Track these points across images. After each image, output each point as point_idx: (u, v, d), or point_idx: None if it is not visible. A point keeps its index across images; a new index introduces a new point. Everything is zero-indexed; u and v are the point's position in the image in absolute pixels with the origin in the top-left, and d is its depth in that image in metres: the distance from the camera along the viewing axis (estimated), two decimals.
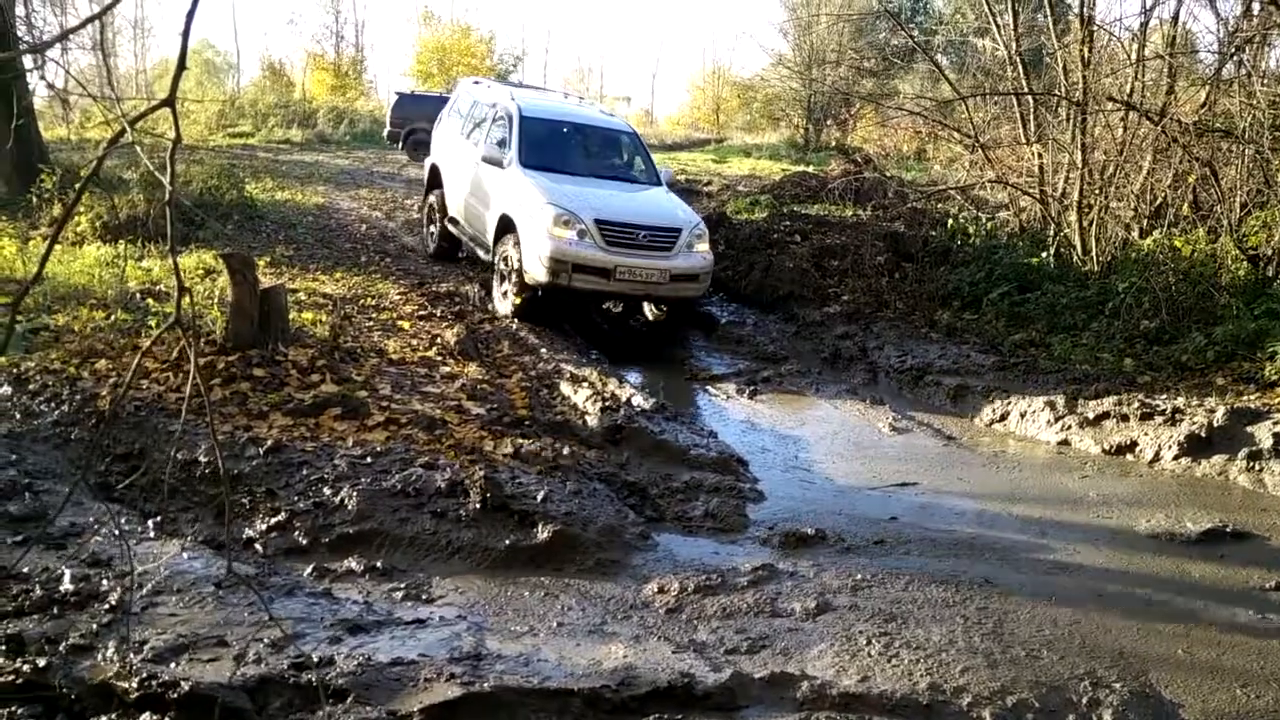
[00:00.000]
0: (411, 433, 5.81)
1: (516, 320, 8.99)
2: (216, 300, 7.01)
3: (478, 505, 4.82)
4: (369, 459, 5.28)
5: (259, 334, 6.59)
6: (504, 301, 9.20)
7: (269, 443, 5.28)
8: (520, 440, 5.89)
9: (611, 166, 10.62)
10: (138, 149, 3.68)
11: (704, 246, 9.31)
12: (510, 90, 11.06)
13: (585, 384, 7.26)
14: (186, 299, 2.33)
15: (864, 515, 5.61)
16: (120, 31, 31.13)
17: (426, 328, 8.39)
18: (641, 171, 10.57)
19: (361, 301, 9.04)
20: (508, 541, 4.65)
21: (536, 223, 8.73)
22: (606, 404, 6.79)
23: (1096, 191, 9.67)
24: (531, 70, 50.42)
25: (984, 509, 5.84)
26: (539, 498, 4.97)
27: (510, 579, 4.44)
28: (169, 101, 2.37)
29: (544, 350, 8.26)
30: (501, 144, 9.86)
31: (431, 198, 11.89)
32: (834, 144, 27.61)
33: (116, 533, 3.96)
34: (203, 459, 4.99)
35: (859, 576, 4.64)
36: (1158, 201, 9.75)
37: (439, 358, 7.54)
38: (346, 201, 15.97)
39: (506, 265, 9.13)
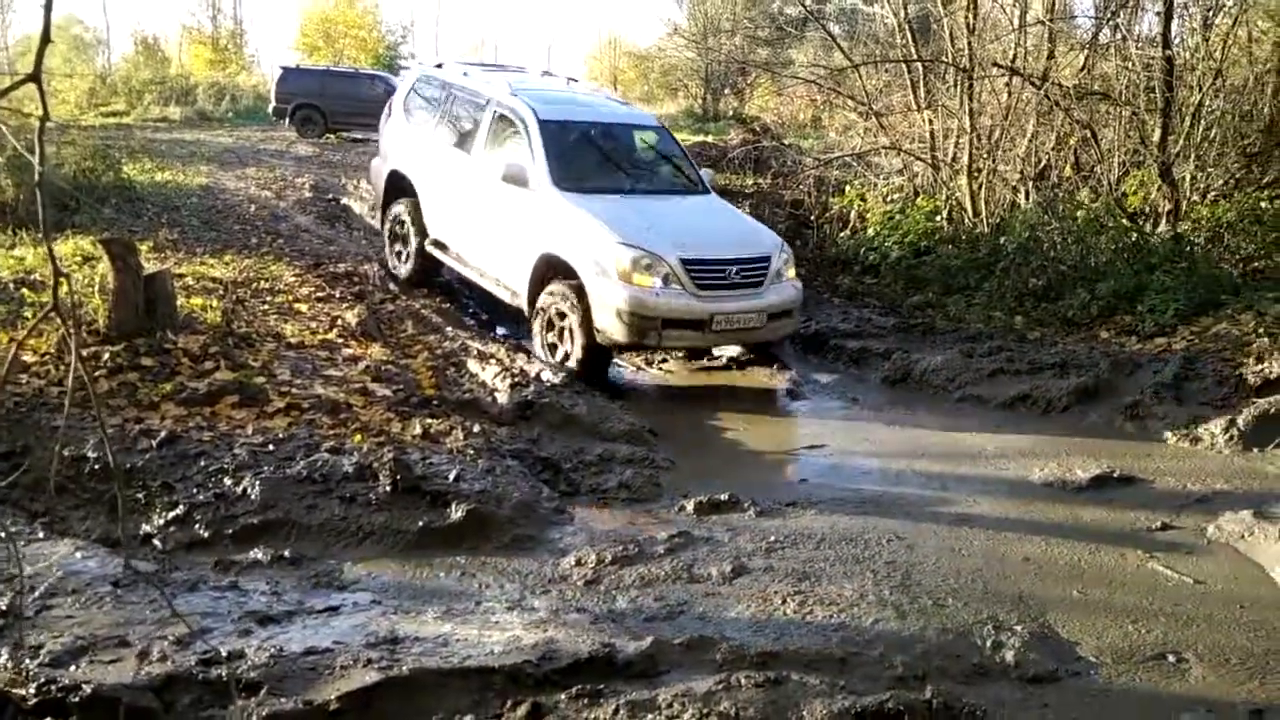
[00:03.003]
0: (315, 417, 5.66)
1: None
2: (98, 288, 6.66)
3: (388, 488, 4.73)
4: (271, 446, 5.12)
5: (145, 322, 6.29)
6: (552, 356, 7.33)
7: (163, 434, 5.07)
8: (429, 420, 5.80)
9: (656, 176, 8.71)
10: (2, 128, 3.45)
11: (792, 272, 7.71)
12: (504, 81, 8.64)
13: (493, 360, 7.17)
14: (65, 286, 2.20)
15: (775, 479, 5.72)
16: None
17: (326, 309, 8.15)
18: (686, 176, 8.68)
19: (254, 285, 8.72)
20: (421, 523, 4.58)
21: (606, 268, 6.90)
22: (516, 380, 6.73)
23: (985, 155, 9.98)
24: (422, 42, 49.24)
25: (889, 467, 6.01)
26: (451, 477, 4.90)
27: (425, 561, 4.37)
28: (34, 76, 2.21)
29: (449, 329, 8.12)
30: (521, 158, 7.72)
31: (399, 210, 9.36)
32: (732, 113, 27.80)
33: (1, 535, 3.75)
34: (91, 454, 4.76)
35: (772, 539, 4.72)
36: (1042, 164, 10.11)
37: (340, 340, 7.34)
38: (233, 181, 15.35)
39: (562, 320, 7.24)
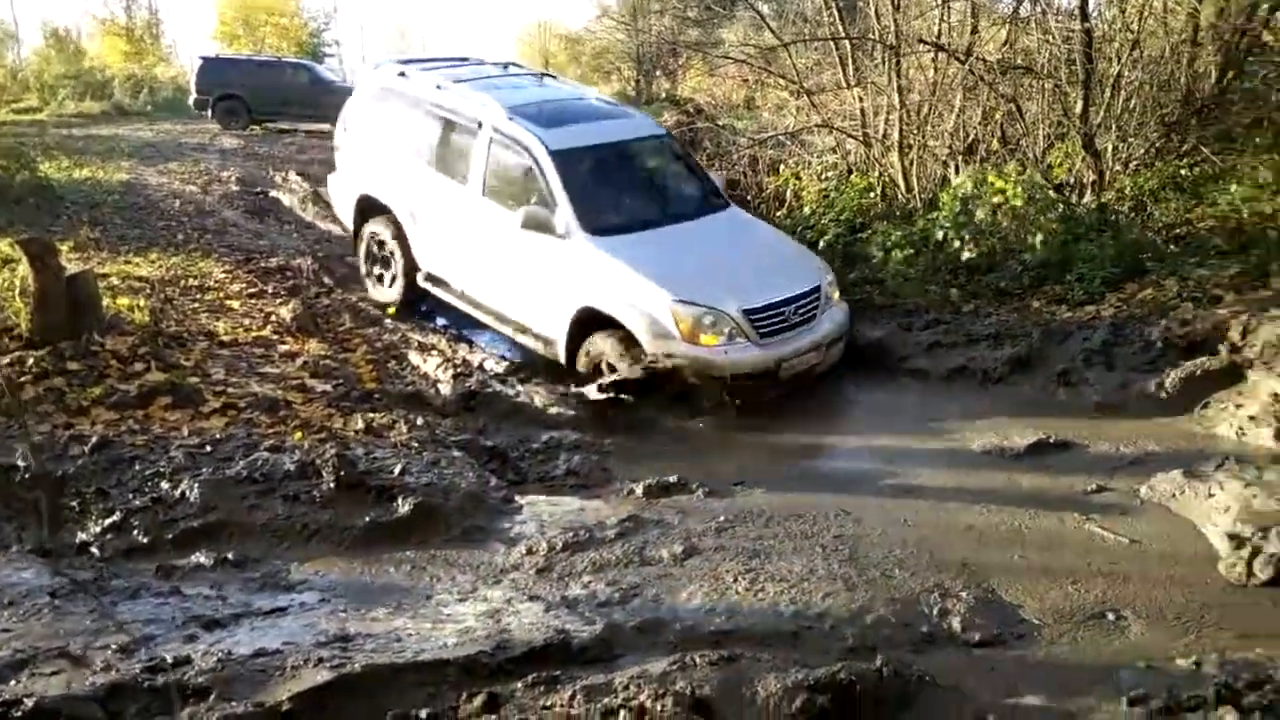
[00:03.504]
0: (253, 416, 5.55)
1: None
2: (18, 291, 6.43)
3: (332, 485, 4.66)
4: (208, 448, 5.01)
5: (70, 324, 6.10)
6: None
7: (94, 439, 4.93)
8: (371, 415, 5.72)
9: (678, 195, 7.98)
10: None
11: (837, 293, 7.30)
12: (488, 97, 7.67)
13: (435, 352, 7.10)
14: None
15: (722, 460, 5.75)
16: None
17: (259, 305, 7.98)
18: (705, 190, 8.02)
19: (183, 283, 8.50)
20: (368, 519, 4.52)
21: (665, 328, 6.33)
22: (459, 371, 6.68)
23: (914, 131, 10.09)
24: (345, 29, 48.21)
25: (834, 443, 6.09)
26: (396, 471, 4.85)
27: (374, 557, 4.32)
28: None
29: (388, 321, 8.01)
30: (538, 199, 7.01)
31: (378, 229, 8.49)
32: (665, 95, 27.77)
33: None
34: (21, 463, 4.60)
35: (722, 519, 4.75)
36: (970, 138, 10.27)
37: (275, 336, 7.20)
38: (155, 176, 14.89)
39: (613, 373, 6.55)
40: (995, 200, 8.39)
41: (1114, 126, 8.95)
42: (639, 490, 5.13)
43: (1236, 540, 4.22)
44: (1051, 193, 8.59)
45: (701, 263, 6.84)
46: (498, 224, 7.28)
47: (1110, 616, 3.88)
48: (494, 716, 2.92)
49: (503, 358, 7.33)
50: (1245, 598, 3.98)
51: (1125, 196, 8.62)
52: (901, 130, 10.02)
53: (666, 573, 4.22)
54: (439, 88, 7.95)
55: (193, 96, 22.89)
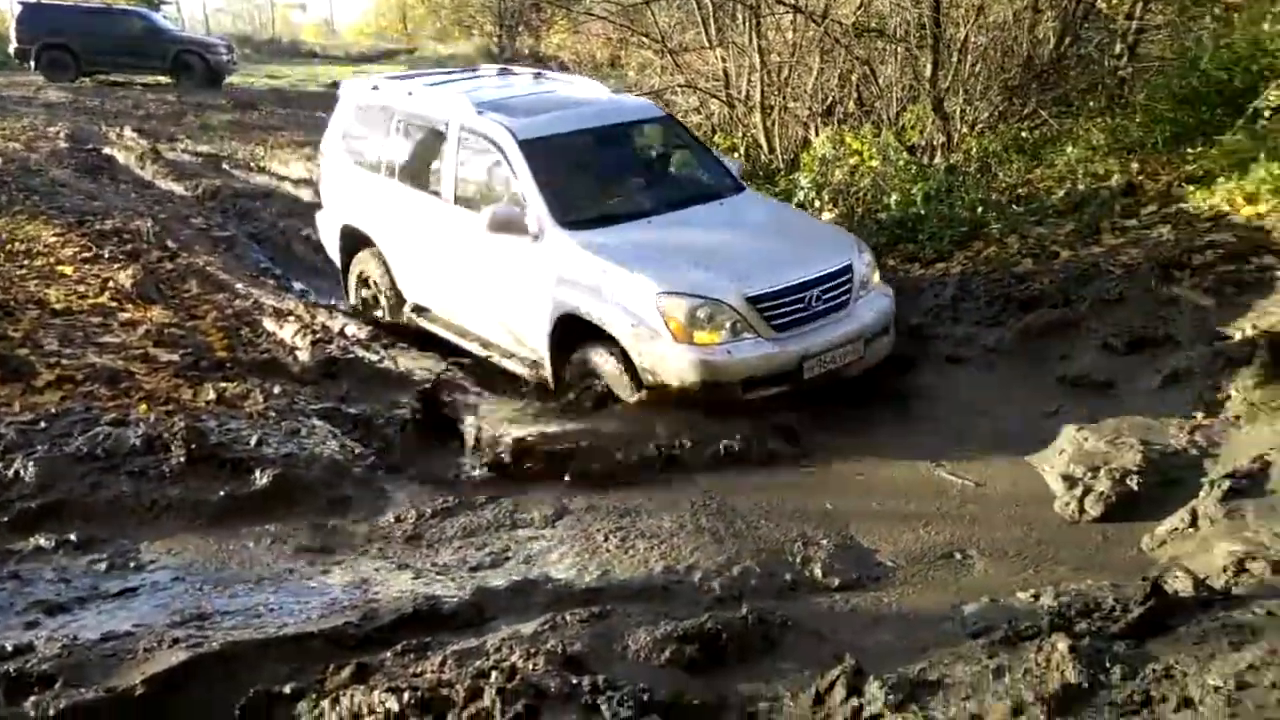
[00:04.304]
0: (92, 389, 5.22)
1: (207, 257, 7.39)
2: None
3: (182, 459, 4.45)
4: (43, 424, 4.70)
5: None
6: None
7: None
8: (223, 384, 5.47)
9: (677, 182, 6.97)
10: None
11: (877, 275, 6.15)
12: (461, 95, 6.63)
13: (291, 318, 6.83)
14: None
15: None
16: None
17: (95, 271, 7.49)
18: (713, 174, 6.85)
19: (8, 248, 7.88)
20: (223, 493, 4.34)
21: (653, 327, 5.24)
22: (318, 337, 6.45)
23: (775, 92, 10.27)
24: None
25: None
26: (252, 443, 4.67)
27: (232, 531, 4.16)
28: None
29: (239, 285, 7.65)
30: (508, 197, 5.97)
31: (369, 271, 7.29)
32: (529, 53, 27.31)
33: None
34: None
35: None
36: (829, 100, 10.52)
37: (114, 303, 6.78)
38: None
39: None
40: (852, 161, 8.64)
41: (961, 90, 9.32)
42: (510, 453, 5.08)
43: (1070, 481, 4.54)
44: (905, 154, 8.90)
45: (697, 248, 5.71)
46: (468, 232, 6.18)
47: (958, 556, 4.11)
48: (363, 686, 2.87)
49: (364, 322, 7.11)
50: (1078, 534, 4.28)
51: (972, 158, 9.01)
52: (763, 91, 10.17)
53: (538, 535, 4.23)
54: (410, 94, 6.94)
55: (13, 45, 21.09)
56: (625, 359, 5.39)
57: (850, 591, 3.83)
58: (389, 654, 3.14)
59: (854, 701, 2.83)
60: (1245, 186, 6.77)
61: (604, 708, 2.77)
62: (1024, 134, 9.32)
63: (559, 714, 2.76)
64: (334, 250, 7.72)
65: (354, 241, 7.39)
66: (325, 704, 2.84)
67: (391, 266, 7.06)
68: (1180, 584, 3.42)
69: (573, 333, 5.63)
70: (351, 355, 6.15)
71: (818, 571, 3.95)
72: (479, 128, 6.21)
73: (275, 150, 13.76)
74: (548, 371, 5.87)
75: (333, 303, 7.63)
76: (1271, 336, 5.25)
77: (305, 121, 16.04)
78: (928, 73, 9.09)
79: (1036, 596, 3.55)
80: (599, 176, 6.57)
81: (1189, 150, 7.88)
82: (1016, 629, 3.18)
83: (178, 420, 4.72)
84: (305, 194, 10.85)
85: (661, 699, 2.84)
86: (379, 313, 7.22)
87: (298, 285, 8.25)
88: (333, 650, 3.16)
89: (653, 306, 5.22)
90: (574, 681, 2.89)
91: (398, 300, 7.04)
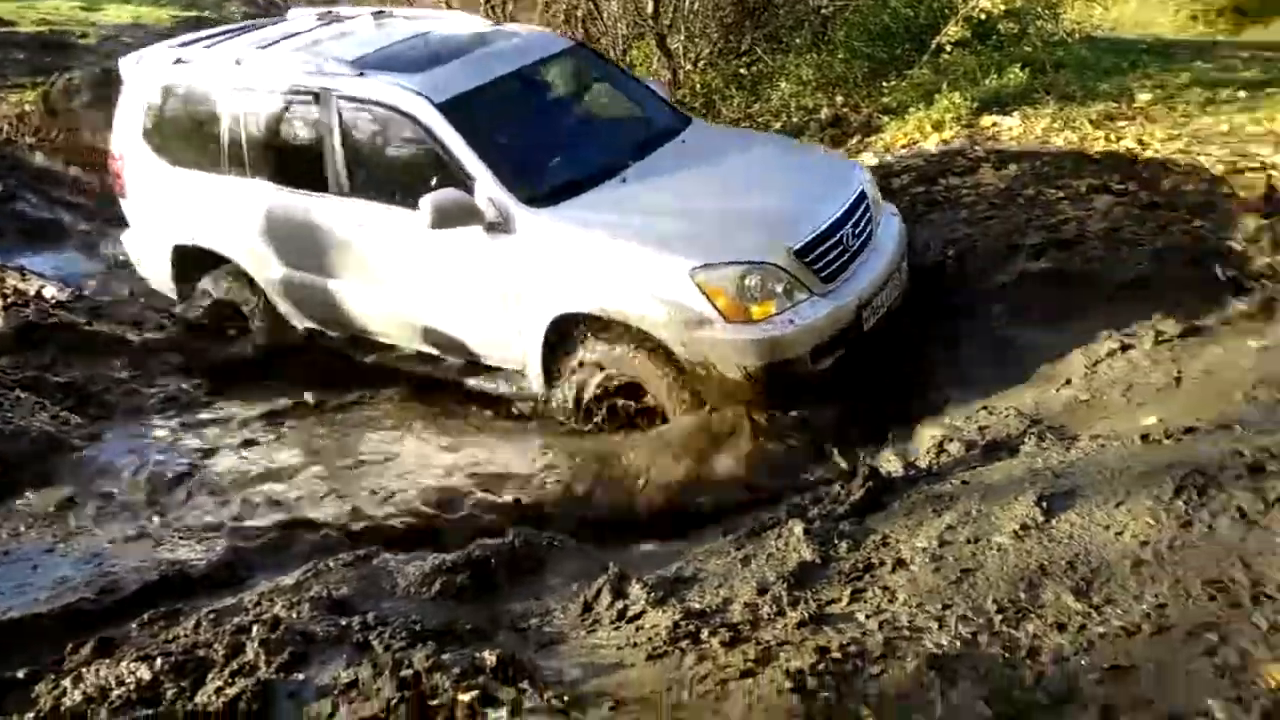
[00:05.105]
0: None
1: None
2: None
3: None
4: None
5: None
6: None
7: None
8: None
9: (630, 125, 5.57)
10: None
11: (877, 191, 5.23)
12: (326, 56, 5.10)
13: None
14: None
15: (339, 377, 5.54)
16: None
17: None
18: (647, 108, 5.67)
19: None
20: None
21: (699, 311, 4.22)
22: (10, 302, 5.78)
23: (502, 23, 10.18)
24: None
25: None
26: None
27: None
28: None
29: None
30: (442, 180, 4.57)
31: (230, 297, 5.61)
32: None
33: None
34: None
35: (342, 429, 4.71)
36: (557, 34, 10.57)
37: None
38: None
39: (634, 397, 4.59)
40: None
41: (682, 27, 9.66)
42: (254, 412, 4.86)
43: None
44: None
45: (701, 204, 4.68)
46: (387, 227, 4.87)
47: None
48: (108, 659, 2.69)
49: (65, 284, 6.43)
50: None
51: (697, 94, 9.40)
52: None
53: (296, 485, 4.09)
54: (239, 63, 5.32)
55: None
56: (667, 361, 4.38)
57: None
58: (135, 625, 2.95)
59: (619, 604, 2.99)
60: (932, 115, 7.51)
61: (375, 643, 2.76)
62: (743, 70, 9.81)
63: (330, 656, 2.73)
64: (162, 279, 5.89)
65: (196, 263, 5.69)
66: (66, 683, 2.63)
67: (266, 289, 5.49)
68: (893, 466, 3.87)
69: (566, 338, 4.60)
70: (54, 320, 5.58)
71: None
72: (370, 94, 4.84)
73: None
74: (537, 386, 4.74)
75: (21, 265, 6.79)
76: None
77: None
78: (649, 9, 9.33)
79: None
80: (538, 134, 5.25)
81: (884, 84, 8.60)
82: (761, 522, 3.47)
83: None
84: None
85: (434, 627, 2.87)
86: (257, 340, 5.59)
87: None
88: (70, 629, 2.95)
89: (690, 286, 4.21)
90: (342, 623, 2.85)
91: (274, 321, 5.53)
